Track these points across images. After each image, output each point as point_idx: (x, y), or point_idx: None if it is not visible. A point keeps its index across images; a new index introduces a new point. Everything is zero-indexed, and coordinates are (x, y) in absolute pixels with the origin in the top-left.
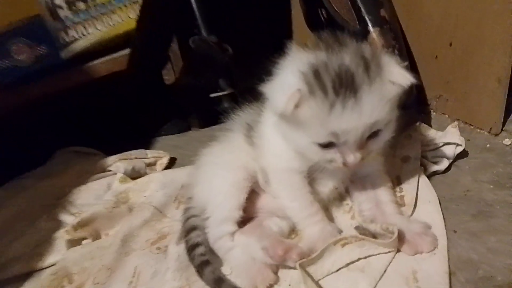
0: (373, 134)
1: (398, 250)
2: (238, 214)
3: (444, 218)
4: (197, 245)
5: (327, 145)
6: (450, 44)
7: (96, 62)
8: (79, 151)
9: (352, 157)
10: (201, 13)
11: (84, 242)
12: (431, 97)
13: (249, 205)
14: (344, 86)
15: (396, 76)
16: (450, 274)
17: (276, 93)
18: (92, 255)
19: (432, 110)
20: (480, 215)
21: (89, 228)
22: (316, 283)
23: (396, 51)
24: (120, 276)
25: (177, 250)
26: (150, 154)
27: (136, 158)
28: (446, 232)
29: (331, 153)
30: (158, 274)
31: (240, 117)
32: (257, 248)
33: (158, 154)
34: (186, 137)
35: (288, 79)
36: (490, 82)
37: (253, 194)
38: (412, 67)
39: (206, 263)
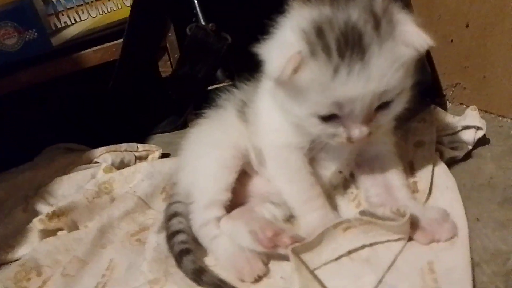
0: (383, 106)
1: (411, 239)
2: (225, 196)
3: (465, 207)
4: (177, 232)
5: (329, 117)
6: (467, 25)
7: (88, 50)
8: (69, 148)
9: (358, 131)
10: (199, 0)
11: (59, 233)
12: (447, 86)
13: (240, 189)
14: (350, 47)
15: (411, 36)
16: (473, 266)
17: (273, 55)
18: (66, 247)
19: (448, 101)
20: (508, 203)
21: (66, 219)
22: (312, 272)
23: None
24: (93, 269)
25: (156, 240)
26: (141, 147)
27: (126, 150)
28: (468, 221)
29: (334, 127)
30: (133, 266)
31: (234, 94)
32: (244, 233)
33: (150, 148)
34: (182, 134)
35: (287, 38)
36: None
37: (244, 177)
38: (426, 54)
39: (186, 251)
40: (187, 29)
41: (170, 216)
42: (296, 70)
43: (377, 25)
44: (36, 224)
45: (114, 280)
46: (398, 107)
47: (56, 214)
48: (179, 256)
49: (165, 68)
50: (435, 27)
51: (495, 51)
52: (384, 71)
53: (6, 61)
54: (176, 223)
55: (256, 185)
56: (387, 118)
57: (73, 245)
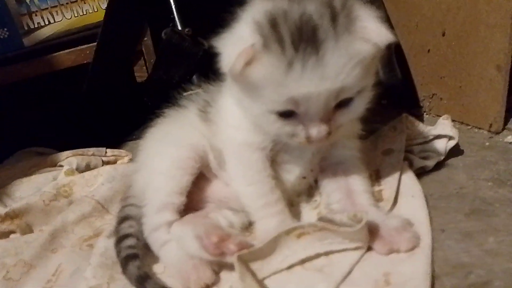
0: (342, 104)
1: (370, 249)
2: (179, 200)
3: (430, 217)
4: (127, 236)
5: (287, 115)
6: (443, 34)
7: (61, 52)
8: (41, 152)
9: (316, 130)
10: (176, 4)
11: (12, 236)
12: (424, 97)
13: (197, 193)
14: (304, 40)
15: (370, 32)
16: (433, 278)
17: (226, 48)
18: (16, 251)
19: (425, 112)
20: (476, 214)
21: (20, 221)
22: (259, 282)
23: None
24: (39, 274)
25: (105, 244)
26: (109, 152)
27: (93, 155)
28: (432, 231)
29: (292, 125)
30: (78, 272)
31: (198, 95)
32: (191, 238)
33: (119, 153)
34: None
35: (241, 31)
36: (488, 71)
37: (202, 181)
38: (403, 65)
39: (133, 256)
40: (162, 34)
41: (122, 219)
42: (248, 63)
43: (333, 19)
44: None
45: (57, 286)
46: (358, 107)
47: (9, 216)
48: (125, 261)
49: (141, 73)
50: (412, 36)
51: (471, 60)
52: (340, 68)
53: None
54: (126, 227)
55: (214, 190)
56: (347, 118)
57: (23, 249)
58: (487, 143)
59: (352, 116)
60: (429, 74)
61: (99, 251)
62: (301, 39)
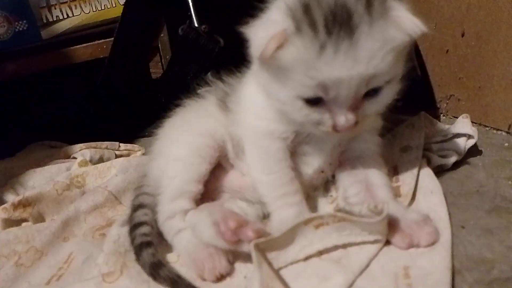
0: (371, 93)
1: (389, 243)
2: (196, 188)
3: (450, 214)
4: (141, 224)
5: (314, 102)
6: (462, 35)
7: (78, 46)
8: (53, 146)
9: (344, 119)
10: (193, 1)
11: (24, 224)
12: (441, 98)
13: (213, 183)
14: (338, 24)
15: (404, 20)
16: (454, 273)
17: (257, 33)
18: (27, 239)
19: (441, 114)
20: (497, 211)
21: (32, 210)
22: (275, 271)
23: None
24: (51, 261)
25: (118, 232)
26: (123, 146)
27: (106, 148)
28: (452, 227)
29: (319, 113)
30: (91, 259)
31: (217, 86)
32: (208, 225)
33: (132, 147)
34: None
35: (273, 16)
36: (509, 70)
37: (219, 170)
38: (420, 66)
39: (147, 244)
40: (179, 30)
41: (136, 207)
42: (280, 47)
43: (368, 5)
44: (0, 213)
45: (69, 273)
46: (387, 97)
47: (21, 204)
48: (139, 248)
49: (156, 69)
50: (431, 37)
51: (491, 60)
52: (373, 53)
53: None
54: (141, 215)
55: (230, 180)
56: (375, 108)
57: (35, 236)
58: (506, 144)
59: (379, 107)
60: (447, 75)
61: (112, 239)
62: (334, 22)
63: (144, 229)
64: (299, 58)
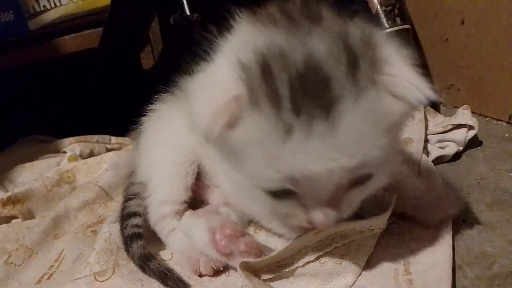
0: (358, 180)
1: (388, 239)
2: (184, 195)
3: None
4: (133, 214)
5: (281, 194)
6: (462, 22)
7: (66, 36)
8: (44, 140)
9: (322, 216)
10: None
11: (13, 221)
12: (441, 89)
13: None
14: (310, 97)
15: (405, 85)
16: (455, 269)
17: (199, 97)
18: (17, 236)
19: (441, 104)
20: (498, 205)
21: (22, 207)
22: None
23: (396, 11)
24: (41, 260)
25: (109, 229)
26: (114, 140)
27: (97, 142)
28: (452, 222)
29: (289, 206)
30: (82, 258)
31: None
32: (203, 230)
33: (123, 141)
34: None
35: (221, 73)
36: (509, 60)
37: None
38: (419, 55)
39: (137, 236)
40: (171, 19)
41: (129, 196)
42: (231, 124)
43: (353, 65)
44: None
45: (60, 272)
46: (378, 182)
47: (11, 201)
48: (129, 239)
49: (148, 60)
50: (430, 26)
51: (491, 49)
52: (361, 136)
53: None
54: (134, 205)
55: (212, 196)
56: (362, 196)
57: (24, 234)
58: (506, 135)
59: (368, 193)
60: (447, 64)
61: (104, 237)
62: (305, 94)
63: (136, 220)
64: (255, 142)
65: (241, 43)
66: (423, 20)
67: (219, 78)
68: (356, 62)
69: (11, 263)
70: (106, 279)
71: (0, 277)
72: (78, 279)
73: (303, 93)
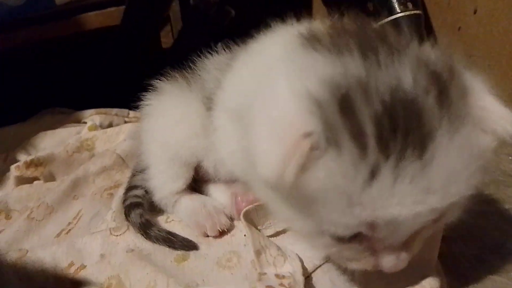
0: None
1: None
2: (184, 178)
3: None
4: (135, 187)
5: (351, 237)
6: (475, 12)
7: (89, 13)
8: (64, 112)
9: (393, 260)
10: None
11: (35, 183)
12: None
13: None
14: (401, 135)
15: (495, 117)
16: (446, 237)
17: (258, 134)
18: (39, 196)
19: None
20: (495, 184)
21: (44, 169)
22: (266, 238)
23: None
24: (60, 217)
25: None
26: (132, 114)
27: (116, 114)
28: None
29: (356, 250)
30: (98, 216)
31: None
32: (226, 194)
33: (141, 116)
34: None
35: (283, 106)
36: None
37: None
38: (434, 43)
39: (136, 205)
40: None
41: (138, 171)
42: (303, 167)
43: (445, 98)
44: (13, 171)
45: (78, 228)
46: (451, 217)
47: (34, 163)
48: (128, 209)
49: (167, 39)
50: (444, 14)
51: (502, 38)
52: (454, 176)
53: (7, 16)
54: (139, 179)
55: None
56: (431, 232)
57: (46, 194)
58: None
59: (437, 229)
60: (458, 52)
61: (120, 199)
62: (394, 131)
63: (137, 191)
64: (333, 187)
65: (306, 70)
66: (437, 9)
67: (283, 111)
68: (447, 93)
69: (33, 218)
70: (120, 234)
71: (22, 230)
72: (95, 232)
73: (391, 130)
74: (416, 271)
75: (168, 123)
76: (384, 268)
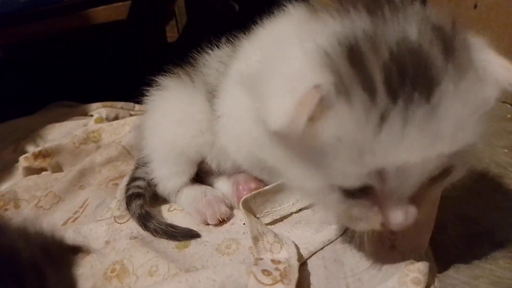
0: (437, 176)
1: None
2: (188, 173)
3: None
4: (138, 178)
5: (358, 192)
6: (475, 6)
7: (97, 8)
8: (71, 105)
9: (401, 215)
10: None
11: (43, 173)
12: None
13: None
14: (409, 81)
15: (498, 70)
16: (438, 226)
17: (268, 91)
18: (46, 186)
19: None
20: (488, 175)
21: (51, 160)
22: (263, 225)
23: None
24: (67, 206)
25: None
26: (137, 107)
27: (122, 108)
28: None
29: (364, 206)
30: (103, 204)
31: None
32: (228, 183)
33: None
34: None
35: (294, 63)
36: None
37: None
38: None
39: (137, 195)
40: None
41: (141, 164)
42: (313, 118)
43: (450, 48)
44: (21, 161)
45: (84, 216)
46: (459, 173)
47: (42, 154)
48: (129, 199)
49: (172, 33)
50: (444, 9)
51: (501, 33)
52: (461, 122)
53: (17, 11)
54: (141, 172)
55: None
56: (438, 190)
57: (53, 184)
58: (508, 116)
59: (444, 186)
60: None
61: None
62: (402, 78)
63: (139, 182)
64: (344, 135)
65: (316, 29)
66: (438, 3)
67: (294, 67)
68: (451, 44)
69: (41, 207)
70: (124, 222)
71: (30, 218)
72: (100, 220)
73: (399, 76)
74: (406, 257)
75: (173, 122)
76: (391, 225)
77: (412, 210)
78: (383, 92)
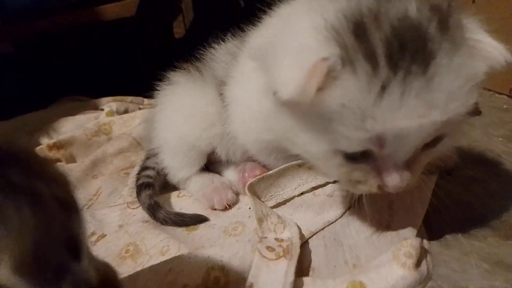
0: (430, 143)
1: None
2: (198, 164)
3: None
4: (148, 168)
5: (358, 157)
6: (473, 1)
7: (107, 5)
8: (83, 100)
9: (397, 178)
10: None
11: (58, 164)
12: None
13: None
14: (408, 54)
15: (489, 48)
16: (433, 211)
17: (279, 63)
18: None
19: None
20: (484, 162)
21: (65, 152)
22: (267, 207)
23: None
24: (81, 194)
25: None
26: (147, 101)
27: (131, 102)
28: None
29: (363, 170)
30: (116, 192)
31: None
32: (234, 171)
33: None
34: None
35: (304, 37)
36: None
37: None
38: None
39: (147, 185)
40: None
41: (152, 155)
42: (321, 87)
43: (444, 25)
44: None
45: (98, 203)
46: (451, 142)
47: (56, 146)
48: (139, 189)
49: (179, 29)
50: None
51: (498, 27)
52: (453, 93)
53: (27, 6)
54: (151, 163)
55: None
56: (431, 157)
57: (67, 174)
58: (505, 106)
59: (437, 154)
60: None
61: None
62: (402, 51)
63: (149, 172)
64: (348, 103)
65: (323, 6)
66: None
67: (303, 41)
68: (447, 21)
69: None
70: (136, 207)
71: None
72: (113, 206)
73: (399, 50)
74: (401, 235)
75: (184, 116)
76: (388, 186)
77: (407, 174)
78: (384, 64)
